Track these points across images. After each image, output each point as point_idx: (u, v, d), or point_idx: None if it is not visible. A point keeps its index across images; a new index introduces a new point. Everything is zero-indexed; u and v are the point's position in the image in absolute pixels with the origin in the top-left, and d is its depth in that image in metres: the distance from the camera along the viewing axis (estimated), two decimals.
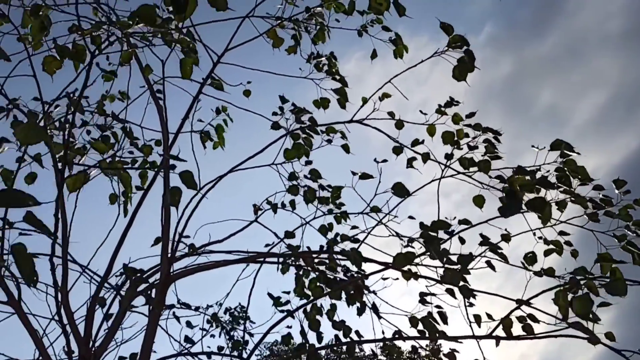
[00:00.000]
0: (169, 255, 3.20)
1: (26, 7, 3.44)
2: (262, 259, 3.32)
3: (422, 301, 3.11)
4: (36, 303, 2.94)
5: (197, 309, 3.63)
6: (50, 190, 3.68)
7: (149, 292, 3.15)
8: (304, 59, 3.94)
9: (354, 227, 3.44)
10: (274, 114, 3.58)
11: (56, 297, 2.65)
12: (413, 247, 3.53)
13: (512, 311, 2.74)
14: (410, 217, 3.57)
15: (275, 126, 3.51)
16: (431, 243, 2.48)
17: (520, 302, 2.72)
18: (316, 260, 3.56)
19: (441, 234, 2.69)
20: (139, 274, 3.16)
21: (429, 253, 2.65)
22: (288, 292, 3.51)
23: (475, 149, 3.07)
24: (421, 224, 2.67)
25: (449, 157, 3.13)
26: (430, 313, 3.12)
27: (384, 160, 3.22)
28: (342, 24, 3.92)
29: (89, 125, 3.71)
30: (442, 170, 3.14)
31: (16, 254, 1.22)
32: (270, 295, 3.69)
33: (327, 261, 3.52)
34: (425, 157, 3.19)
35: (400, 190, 2.95)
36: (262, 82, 3.91)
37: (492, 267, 2.84)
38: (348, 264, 3.57)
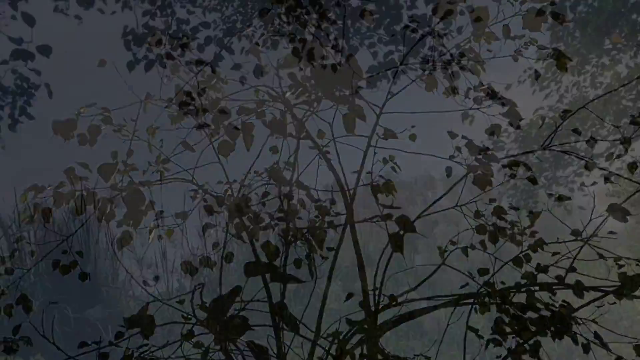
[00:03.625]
0: (372, 308, 3.25)
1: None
2: (470, 301, 3.26)
3: None
4: None
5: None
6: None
7: (359, 348, 3.18)
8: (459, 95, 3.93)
9: (555, 254, 3.28)
10: (451, 157, 3.57)
11: None
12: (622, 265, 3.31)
13: None
14: (611, 232, 3.36)
15: (448, 172, 3.49)
16: None
17: None
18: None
19: None
20: (345, 332, 3.21)
21: None
22: (496, 332, 3.38)
23: None
24: None
25: None
26: None
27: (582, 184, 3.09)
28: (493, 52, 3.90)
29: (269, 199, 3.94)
30: None
31: None
32: (471, 328, 3.55)
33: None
34: None
35: (616, 214, 2.78)
36: (423, 124, 3.94)
37: None
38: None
